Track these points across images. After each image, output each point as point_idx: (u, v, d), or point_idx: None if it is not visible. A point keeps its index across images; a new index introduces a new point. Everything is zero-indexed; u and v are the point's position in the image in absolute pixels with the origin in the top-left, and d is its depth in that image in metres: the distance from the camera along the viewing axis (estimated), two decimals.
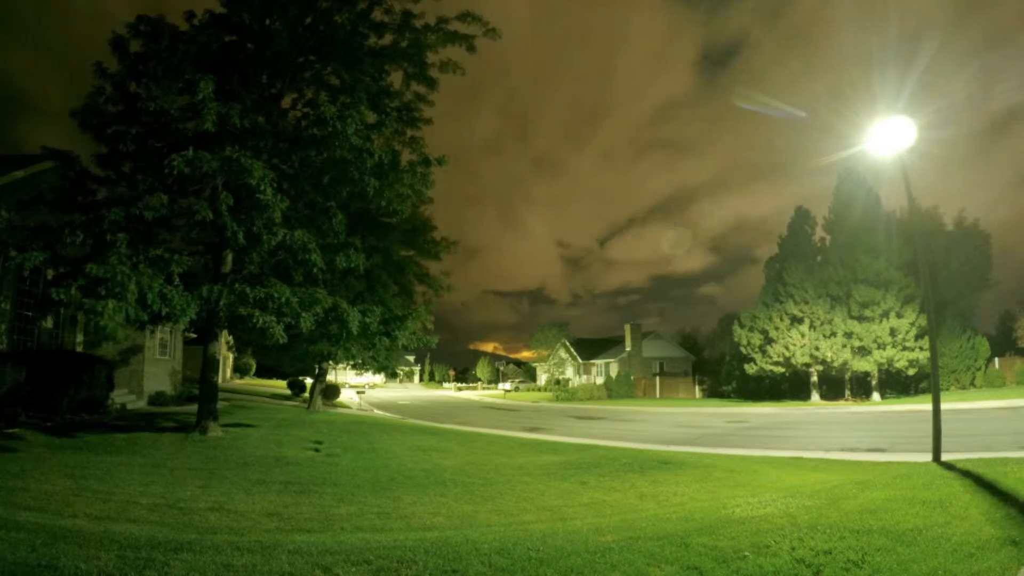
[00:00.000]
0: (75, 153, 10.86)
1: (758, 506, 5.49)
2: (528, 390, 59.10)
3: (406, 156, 12.54)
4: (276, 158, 10.91)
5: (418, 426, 18.57)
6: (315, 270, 10.72)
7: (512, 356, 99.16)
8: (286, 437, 11.71)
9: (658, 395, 41.40)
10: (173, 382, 20.07)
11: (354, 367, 24.06)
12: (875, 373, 28.62)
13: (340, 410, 25.00)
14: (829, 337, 28.74)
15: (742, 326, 32.90)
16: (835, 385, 30.88)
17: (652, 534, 4.49)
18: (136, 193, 10.09)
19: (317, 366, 22.54)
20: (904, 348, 27.50)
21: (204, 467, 7.87)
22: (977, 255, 33.91)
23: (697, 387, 41.28)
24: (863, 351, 28.09)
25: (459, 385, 77.00)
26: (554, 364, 59.59)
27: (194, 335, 21.96)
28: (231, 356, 41.72)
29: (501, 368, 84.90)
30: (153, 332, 17.45)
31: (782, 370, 30.64)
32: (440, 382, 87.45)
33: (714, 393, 38.92)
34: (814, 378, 30.51)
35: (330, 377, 29.02)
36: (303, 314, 9.84)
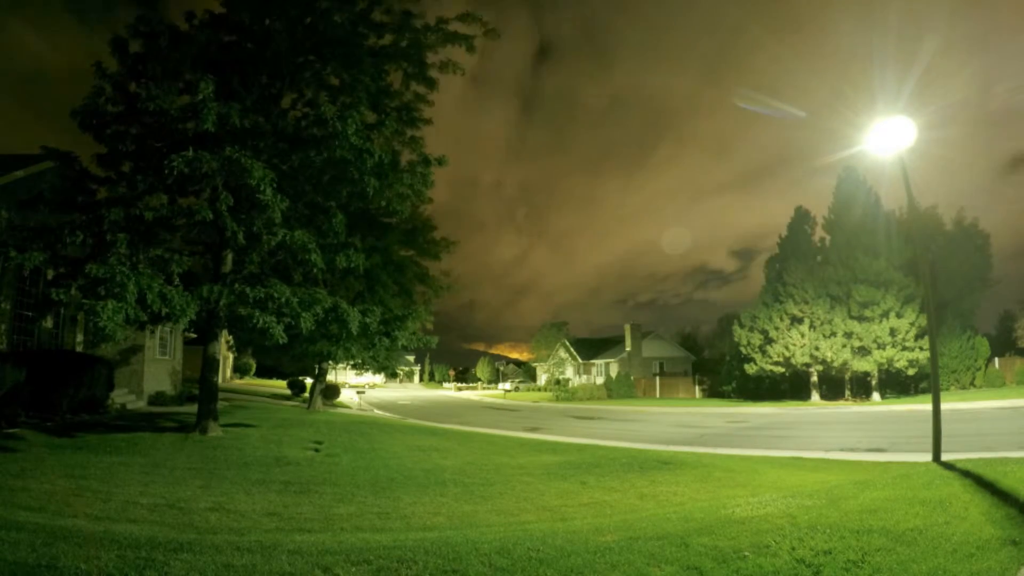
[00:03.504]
0: (75, 153, 10.87)
1: (758, 506, 5.49)
2: (528, 390, 59.09)
3: (406, 156, 12.59)
4: (276, 158, 10.91)
5: (418, 426, 18.57)
6: (315, 270, 10.72)
7: (512, 356, 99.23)
8: (286, 437, 11.71)
9: (658, 395, 41.40)
10: (173, 382, 20.08)
11: (354, 367, 24.05)
12: (875, 373, 28.61)
13: (340, 410, 25.00)
14: (829, 337, 28.74)
15: (742, 326, 32.91)
16: (835, 385, 30.87)
17: (652, 534, 4.49)
18: (136, 193, 10.10)
19: (317, 366, 22.55)
20: (904, 348, 27.49)
21: (204, 467, 7.87)
22: (977, 255, 33.92)
23: (697, 387, 41.27)
24: (863, 351, 28.08)
25: (459, 385, 77.00)
26: (554, 364, 59.58)
27: (194, 335, 21.96)
28: (231, 356, 41.73)
29: (501, 368, 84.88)
30: (153, 332, 17.45)
31: (782, 370, 30.64)
32: (440, 382, 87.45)
33: (714, 393, 38.91)
34: (814, 378, 30.51)
35: (330, 377, 29.03)
36: (303, 314, 9.84)
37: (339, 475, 7.95)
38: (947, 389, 28.43)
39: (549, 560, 3.77)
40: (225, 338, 29.60)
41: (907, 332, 27.39)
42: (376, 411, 27.68)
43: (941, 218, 35.39)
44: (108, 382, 13.70)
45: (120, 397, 15.50)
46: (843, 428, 16.46)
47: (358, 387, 55.31)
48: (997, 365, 30.79)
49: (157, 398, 17.85)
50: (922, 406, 20.44)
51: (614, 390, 41.62)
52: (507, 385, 65.20)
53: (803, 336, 29.54)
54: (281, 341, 9.99)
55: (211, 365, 11.45)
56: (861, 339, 27.91)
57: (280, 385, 37.66)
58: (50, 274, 10.62)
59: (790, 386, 32.40)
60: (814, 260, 32.01)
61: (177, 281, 9.65)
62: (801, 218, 34.32)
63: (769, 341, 31.00)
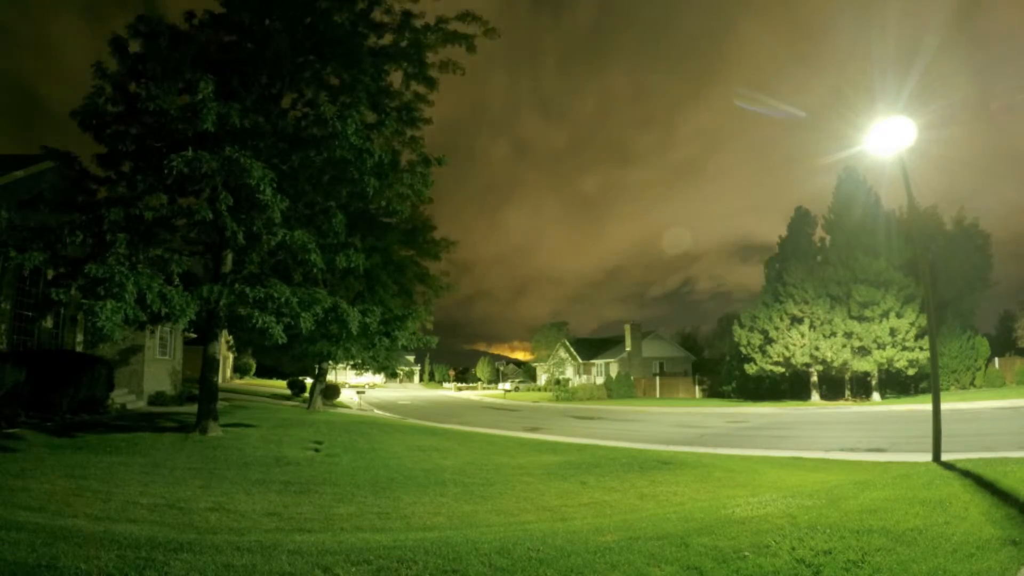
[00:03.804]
0: (75, 153, 10.87)
1: (758, 506, 5.49)
2: (528, 390, 59.09)
3: (406, 156, 12.59)
4: (276, 158, 10.91)
5: (418, 426, 18.57)
6: (315, 270, 10.72)
7: (512, 356, 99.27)
8: (286, 437, 11.71)
9: (658, 395, 41.40)
10: (173, 382, 20.08)
11: (354, 367, 24.08)
12: (875, 373, 28.61)
13: (340, 410, 25.00)
14: (829, 337, 28.74)
15: (742, 326, 32.91)
16: (835, 385, 30.88)
17: (652, 534, 4.49)
18: (136, 193, 10.10)
19: (317, 366, 22.55)
20: (904, 348, 27.49)
21: (204, 467, 7.87)
22: (977, 255, 33.92)
23: (697, 387, 41.27)
24: (863, 351, 28.08)
25: (459, 385, 77.01)
26: (554, 364, 59.60)
27: (194, 335, 21.96)
28: (231, 356, 41.73)
29: (501, 368, 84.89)
30: (153, 332, 17.46)
31: (782, 370, 30.64)
32: (440, 382, 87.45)
33: (714, 393, 38.91)
34: (814, 378, 30.51)
35: (330, 377, 29.03)
36: (303, 314, 9.84)
37: (339, 475, 7.95)
38: (947, 389, 28.43)
39: (549, 560, 3.77)
40: (225, 338, 29.59)
41: (907, 332, 27.39)
42: (376, 411, 27.68)
43: (941, 218, 35.40)
44: (108, 382, 13.70)
45: (120, 397, 15.49)
46: (843, 428, 16.46)
47: (358, 387, 55.31)
48: (997, 365, 30.78)
49: (157, 398, 17.84)
50: (922, 406, 20.44)
51: (614, 390, 41.62)
52: (507, 385, 65.19)
53: (803, 336, 29.54)
54: (281, 341, 9.99)
55: (211, 365, 11.45)
56: (861, 339, 27.91)
57: (280, 385, 37.66)
58: (50, 274, 10.63)
59: (790, 386, 32.40)
60: (814, 260, 32.01)
61: (177, 281, 9.64)
62: (801, 218, 34.32)
63: (769, 341, 31.00)
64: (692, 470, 8.73)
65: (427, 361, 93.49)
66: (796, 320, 30.15)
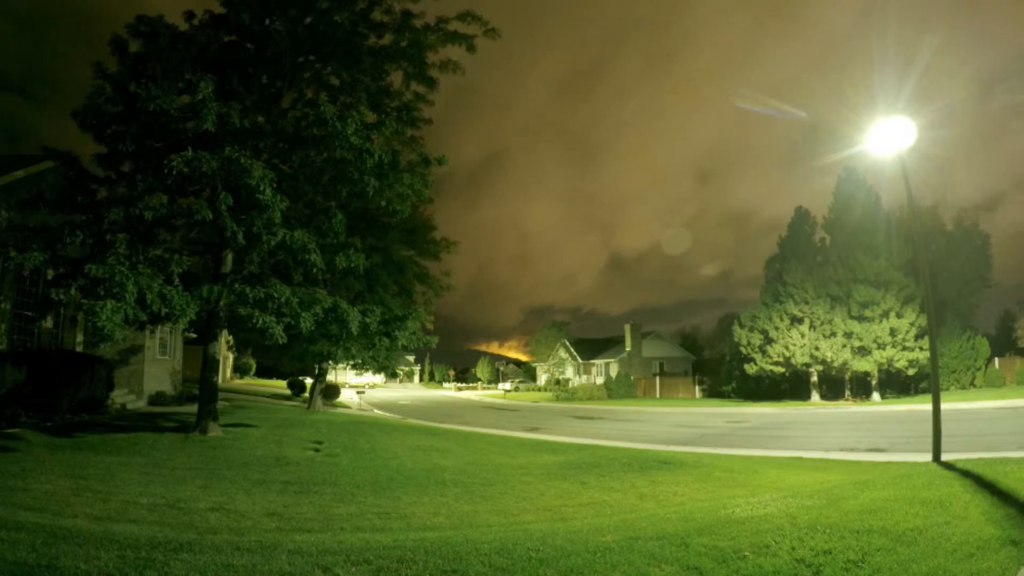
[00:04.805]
0: (75, 153, 10.87)
1: (758, 506, 5.49)
2: (528, 390, 59.07)
3: (406, 156, 12.59)
4: (276, 158, 10.90)
5: (418, 426, 18.57)
6: (315, 270, 10.72)
7: (512, 356, 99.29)
8: (286, 437, 11.71)
9: (658, 395, 41.39)
10: (173, 382, 20.07)
11: (354, 367, 24.09)
12: (875, 373, 28.61)
13: (340, 410, 25.00)
14: (829, 337, 28.74)
15: (742, 326, 32.91)
16: (835, 385, 30.87)
17: (652, 534, 4.48)
18: (136, 193, 10.08)
19: (317, 366, 22.56)
20: (904, 348, 27.49)
21: (204, 467, 7.87)
22: (977, 255, 33.97)
23: (697, 387, 41.27)
24: (863, 351, 28.08)
25: (459, 385, 76.99)
26: (554, 364, 59.59)
27: (194, 335, 21.97)
28: (231, 356, 41.72)
29: (501, 368, 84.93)
30: (153, 332, 17.45)
31: (782, 370, 30.63)
32: (440, 382, 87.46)
33: (714, 393, 38.91)
34: (814, 378, 30.50)
35: (330, 377, 29.03)
36: (303, 314, 9.84)
37: (339, 475, 7.95)
38: (947, 389, 28.43)
39: (549, 560, 3.77)
40: (225, 338, 29.60)
41: (907, 332, 27.40)
42: (376, 411, 27.68)
43: (941, 218, 35.43)
44: (108, 382, 13.69)
45: (120, 397, 15.49)
46: (843, 428, 16.46)
47: (358, 387, 55.31)
48: (997, 365, 30.78)
49: (157, 398, 17.84)
50: (922, 406, 20.44)
51: (614, 390, 41.62)
52: (507, 385, 65.21)
53: (803, 336, 29.54)
54: (281, 341, 9.99)
55: (211, 365, 11.45)
56: (861, 339, 27.91)
57: (280, 385, 37.66)
58: (50, 274, 10.62)
59: (790, 386, 32.39)
60: (814, 260, 32.03)
61: (177, 281, 9.63)
62: (801, 218, 34.35)
63: (769, 341, 31.00)
64: (692, 470, 8.72)
65: (427, 361, 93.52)
66: (796, 320, 30.15)
